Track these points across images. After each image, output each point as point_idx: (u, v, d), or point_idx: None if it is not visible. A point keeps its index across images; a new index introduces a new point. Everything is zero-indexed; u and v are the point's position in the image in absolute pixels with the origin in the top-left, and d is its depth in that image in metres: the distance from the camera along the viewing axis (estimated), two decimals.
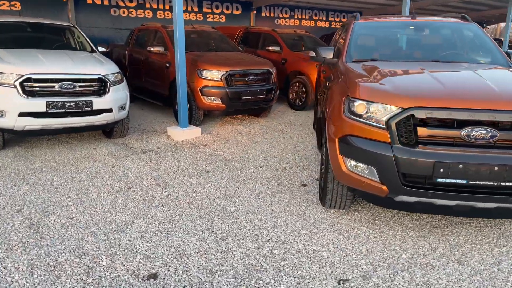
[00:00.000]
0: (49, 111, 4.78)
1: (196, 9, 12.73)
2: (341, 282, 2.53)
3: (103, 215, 3.40)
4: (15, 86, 4.63)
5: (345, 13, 16.79)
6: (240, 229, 3.21)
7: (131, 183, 4.16)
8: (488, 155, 2.58)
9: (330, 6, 15.38)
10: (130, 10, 11.44)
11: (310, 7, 15.59)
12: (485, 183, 2.60)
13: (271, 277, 2.55)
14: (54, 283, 2.45)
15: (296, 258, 2.79)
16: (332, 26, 16.61)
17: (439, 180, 2.63)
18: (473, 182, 2.60)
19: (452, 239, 3.07)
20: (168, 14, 12.15)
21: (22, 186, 3.99)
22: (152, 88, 7.72)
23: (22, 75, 4.66)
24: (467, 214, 2.88)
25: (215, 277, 2.56)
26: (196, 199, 3.79)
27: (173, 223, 3.30)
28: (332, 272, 2.63)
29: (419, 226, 3.28)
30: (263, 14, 14.45)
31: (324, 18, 16.39)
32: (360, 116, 2.87)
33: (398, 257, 2.81)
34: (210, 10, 13.07)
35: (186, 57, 6.72)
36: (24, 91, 4.67)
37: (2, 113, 4.65)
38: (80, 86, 4.98)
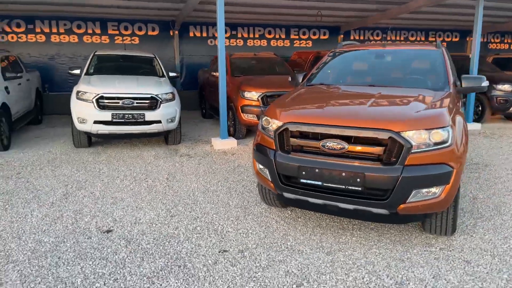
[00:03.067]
0: (113, 120, 6.53)
1: (283, 36, 13.99)
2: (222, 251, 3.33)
3: (112, 193, 4.78)
4: (92, 102, 6.50)
5: (449, 32, 15.94)
6: (190, 212, 4.20)
7: (150, 176, 5.50)
8: (337, 163, 3.09)
9: (429, 26, 14.91)
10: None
11: (406, 28, 15.36)
12: (336, 185, 3.10)
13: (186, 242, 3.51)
14: (62, 226, 3.86)
15: (213, 236, 3.67)
16: None
17: (302, 180, 3.23)
18: (327, 184, 3.13)
19: (322, 237, 3.52)
20: (257, 42, 13.70)
21: (80, 171, 5.70)
22: (217, 107, 9.16)
23: (98, 94, 6.51)
24: (338, 214, 3.36)
25: (144, 236, 3.63)
26: (182, 190, 4.90)
27: (149, 203, 4.48)
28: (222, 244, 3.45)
29: (328, 225, 3.78)
30: (351, 38, 14.89)
31: (422, 39, 15.89)
32: (264, 129, 3.63)
33: (288, 244, 3.45)
34: (297, 37, 14.18)
35: (235, 80, 7.98)
36: (98, 105, 6.51)
37: (84, 120, 6.56)
38: (137, 103, 6.64)
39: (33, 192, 4.79)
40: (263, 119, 3.66)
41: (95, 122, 6.51)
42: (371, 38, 15.20)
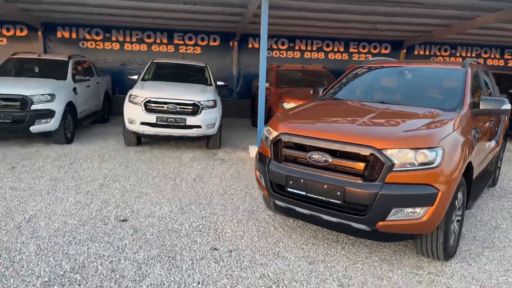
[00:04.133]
0: (158, 122, 7.12)
1: (342, 49, 13.91)
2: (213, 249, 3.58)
3: (140, 188, 5.28)
4: (141, 105, 7.17)
5: None
6: (200, 212, 4.52)
7: (180, 175, 5.94)
8: (321, 175, 3.18)
9: (505, 42, 13.82)
10: (281, 52, 13.65)
11: (480, 44, 14.39)
12: (318, 197, 3.19)
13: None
14: (87, 212, 4.41)
15: (211, 235, 3.94)
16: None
17: (288, 189, 3.36)
18: (310, 195, 3.23)
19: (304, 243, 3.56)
20: (314, 54, 13.79)
21: (122, 166, 6.32)
22: None
23: (146, 98, 7.16)
24: (324, 225, 3.42)
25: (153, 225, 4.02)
26: (203, 191, 5.24)
27: (169, 199, 4.87)
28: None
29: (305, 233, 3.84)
30: (416, 53, 14.32)
31: (497, 56, 14.75)
32: (265, 138, 3.82)
33: (276, 249, 3.59)
34: (356, 50, 14.01)
35: (278, 91, 8.23)
36: (146, 108, 7.16)
37: (133, 121, 7.25)
38: (180, 108, 7.18)
39: (77, 180, 5.46)
40: (265, 129, 3.86)
41: (142, 123, 7.16)
42: (438, 53, 14.48)
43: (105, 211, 4.42)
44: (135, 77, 8.47)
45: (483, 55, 14.67)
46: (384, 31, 12.09)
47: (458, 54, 14.56)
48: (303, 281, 3.08)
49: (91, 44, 12.79)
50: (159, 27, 12.77)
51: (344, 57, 13.94)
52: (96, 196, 4.90)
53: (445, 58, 14.54)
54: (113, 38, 12.88)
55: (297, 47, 13.73)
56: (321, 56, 13.85)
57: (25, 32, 12.40)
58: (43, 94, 7.13)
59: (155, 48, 13.07)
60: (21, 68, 8.63)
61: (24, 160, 6.42)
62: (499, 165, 5.82)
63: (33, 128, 7.01)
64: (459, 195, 3.40)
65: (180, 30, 13.03)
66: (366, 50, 14.07)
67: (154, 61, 9.00)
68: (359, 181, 3.06)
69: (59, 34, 12.60)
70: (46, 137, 7.59)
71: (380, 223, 3.02)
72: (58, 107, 7.28)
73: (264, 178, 3.62)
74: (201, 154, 7.39)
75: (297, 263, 3.36)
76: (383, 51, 14.15)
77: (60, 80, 7.99)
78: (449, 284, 3.10)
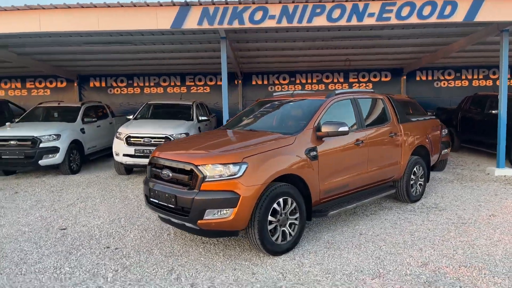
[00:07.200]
0: (136, 154, 8.51)
1: (341, 79, 14.63)
2: (62, 230, 4.67)
3: (94, 206, 6.56)
4: (123, 140, 8.64)
5: None
6: (122, 223, 5.64)
7: (138, 197, 7.15)
8: (164, 186, 4.19)
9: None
10: (283, 86, 14.74)
11: (487, 66, 14.27)
12: (164, 203, 4.19)
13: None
14: (41, 223, 5.77)
15: (114, 236, 5.05)
16: None
17: (150, 199, 4.40)
18: (160, 203, 4.23)
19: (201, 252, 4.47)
20: (315, 86, 14.66)
21: (100, 191, 7.70)
22: None
23: (127, 134, 8.63)
24: (177, 227, 4.34)
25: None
26: (142, 204, 6.37)
27: (110, 214, 6.06)
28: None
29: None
30: (417, 78, 14.56)
31: (508, 76, 14.41)
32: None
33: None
34: (356, 79, 14.64)
35: None
36: (127, 143, 8.61)
37: (118, 153, 8.72)
38: (154, 141, 8.53)
39: (54, 201, 6.91)
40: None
41: (124, 155, 8.59)
42: (442, 77, 14.58)
43: (54, 222, 5.72)
44: (131, 116, 10.07)
45: (491, 76, 14.48)
46: (380, 60, 12.82)
47: (463, 77, 14.54)
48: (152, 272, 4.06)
49: (117, 90, 14.93)
50: (172, 72, 14.61)
51: (345, 87, 14.61)
52: (58, 212, 6.26)
53: (449, 81, 14.59)
54: (135, 84, 14.94)
55: (298, 81, 14.74)
56: (321, 88, 14.68)
57: (64, 84, 14.91)
58: (50, 135, 8.91)
59: (170, 90, 14.88)
60: (45, 114, 10.67)
61: (30, 187, 8.10)
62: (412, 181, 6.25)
63: (42, 162, 8.75)
64: (289, 201, 4.19)
65: (191, 73, 14.75)
66: (366, 79, 14.65)
67: (148, 102, 10.59)
68: (184, 190, 4.03)
69: (91, 84, 14.93)
70: (57, 169, 9.33)
71: (200, 221, 3.92)
72: (62, 144, 9.00)
73: (144, 192, 4.71)
74: None
75: (160, 259, 4.33)
76: (383, 79, 14.63)
77: (70, 122, 9.82)
78: (253, 269, 3.87)
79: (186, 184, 4.09)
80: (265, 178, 4.01)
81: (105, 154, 11.42)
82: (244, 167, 3.92)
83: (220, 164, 3.94)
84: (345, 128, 4.58)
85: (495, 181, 7.82)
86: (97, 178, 8.92)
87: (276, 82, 14.77)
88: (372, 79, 14.63)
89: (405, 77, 14.42)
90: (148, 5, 7.55)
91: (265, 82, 14.79)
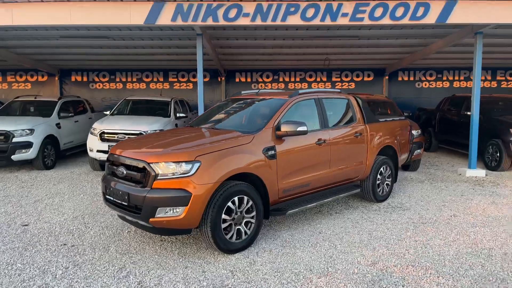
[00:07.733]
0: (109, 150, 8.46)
1: (324, 78, 14.68)
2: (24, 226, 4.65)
3: (61, 203, 6.51)
4: (97, 136, 8.58)
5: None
6: (84, 220, 5.62)
7: None
8: (119, 183, 4.18)
9: (496, 64, 13.76)
10: (266, 84, 14.75)
11: (467, 67, 14.40)
12: (118, 201, 4.17)
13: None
14: (5, 218, 5.72)
15: (74, 234, 5.03)
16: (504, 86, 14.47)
17: (106, 196, 4.38)
18: (116, 200, 4.21)
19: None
20: (298, 85, 14.68)
21: (70, 187, 7.65)
22: None
23: (101, 130, 8.58)
24: (133, 224, 4.33)
25: None
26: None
27: (75, 210, 6.04)
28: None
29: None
30: (399, 79, 14.66)
31: (489, 78, 14.59)
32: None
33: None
34: (339, 79, 14.69)
35: None
36: (101, 139, 8.55)
37: (92, 149, 8.66)
38: (128, 137, 8.47)
39: (22, 197, 6.85)
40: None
41: (98, 151, 8.55)
42: (423, 78, 14.69)
43: (18, 218, 5.68)
44: (108, 112, 10.00)
45: (472, 78, 14.57)
46: (362, 60, 12.87)
47: (444, 78, 14.66)
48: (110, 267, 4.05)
49: (99, 85, 14.82)
50: (155, 68, 14.53)
51: (327, 86, 14.65)
52: (23, 208, 6.20)
53: (431, 82, 14.71)
54: (117, 79, 14.83)
55: (281, 79, 14.75)
56: (304, 86, 14.71)
57: (45, 78, 14.76)
58: (23, 129, 8.81)
59: (153, 86, 14.80)
60: (21, 108, 10.55)
61: (0, 182, 8.02)
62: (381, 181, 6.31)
63: (14, 157, 8.67)
64: (245, 199, 4.19)
65: (174, 69, 14.68)
66: (349, 79, 14.71)
67: (126, 98, 10.53)
68: (137, 187, 4.02)
69: (73, 78, 14.79)
70: (31, 164, 9.24)
71: (151, 219, 3.92)
72: (36, 139, 8.92)
73: (101, 190, 4.68)
74: None
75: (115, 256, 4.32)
76: (366, 78, 14.70)
77: (46, 117, 9.72)
78: (204, 267, 3.89)
79: (139, 181, 4.08)
80: (218, 176, 4.01)
81: (83, 150, 11.33)
82: (196, 165, 3.92)
83: (173, 162, 3.94)
84: (304, 128, 4.59)
85: (466, 182, 7.92)
86: (70, 174, 8.86)
87: (260, 80, 14.78)
88: (355, 79, 14.69)
89: (387, 77, 14.51)
90: (122, 0, 7.49)
91: (249, 80, 14.78)
